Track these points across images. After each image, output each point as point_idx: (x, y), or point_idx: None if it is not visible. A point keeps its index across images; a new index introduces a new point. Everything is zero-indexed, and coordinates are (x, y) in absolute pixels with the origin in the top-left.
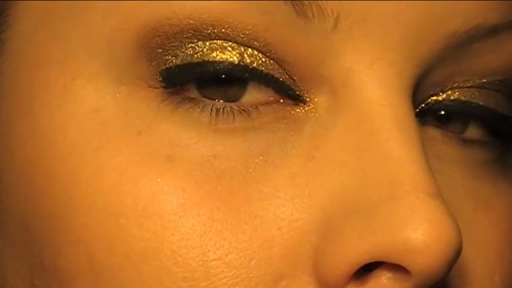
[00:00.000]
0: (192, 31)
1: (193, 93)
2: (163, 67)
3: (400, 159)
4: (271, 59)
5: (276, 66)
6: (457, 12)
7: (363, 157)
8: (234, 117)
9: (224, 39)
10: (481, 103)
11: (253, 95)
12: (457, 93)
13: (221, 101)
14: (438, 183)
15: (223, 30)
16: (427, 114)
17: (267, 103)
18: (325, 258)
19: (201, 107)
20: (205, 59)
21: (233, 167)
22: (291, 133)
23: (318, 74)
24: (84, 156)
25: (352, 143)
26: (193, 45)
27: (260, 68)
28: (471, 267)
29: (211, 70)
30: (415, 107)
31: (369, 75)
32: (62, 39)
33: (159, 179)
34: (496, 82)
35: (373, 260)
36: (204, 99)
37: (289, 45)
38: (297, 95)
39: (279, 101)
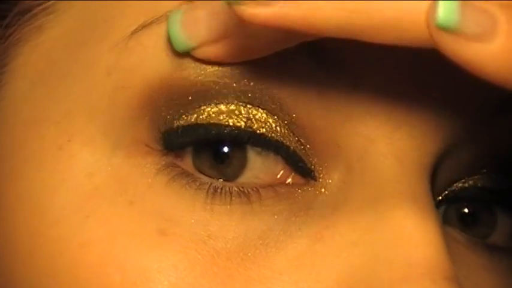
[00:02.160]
0: (200, 91)
1: (190, 166)
2: (165, 128)
3: (415, 240)
4: (283, 122)
5: (287, 132)
6: (478, 89)
7: (375, 237)
8: (231, 199)
9: (228, 103)
10: None
11: (253, 173)
12: (484, 179)
13: (220, 180)
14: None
15: (229, 94)
16: (450, 211)
17: (269, 185)
18: None
19: (197, 184)
20: (211, 121)
21: (229, 249)
22: (296, 214)
23: (333, 143)
24: (72, 224)
25: (365, 222)
26: (199, 107)
27: (269, 135)
28: None
29: (214, 133)
30: (436, 194)
31: (388, 147)
32: (60, 98)
33: (150, 254)
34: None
35: None
36: (201, 175)
37: (304, 104)
38: (308, 168)
39: (284, 182)
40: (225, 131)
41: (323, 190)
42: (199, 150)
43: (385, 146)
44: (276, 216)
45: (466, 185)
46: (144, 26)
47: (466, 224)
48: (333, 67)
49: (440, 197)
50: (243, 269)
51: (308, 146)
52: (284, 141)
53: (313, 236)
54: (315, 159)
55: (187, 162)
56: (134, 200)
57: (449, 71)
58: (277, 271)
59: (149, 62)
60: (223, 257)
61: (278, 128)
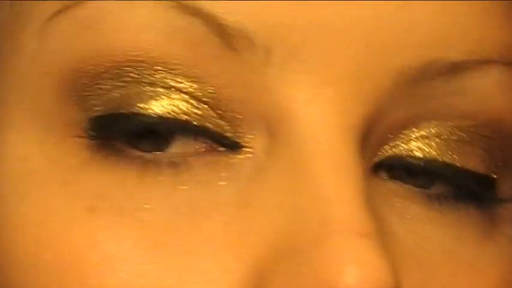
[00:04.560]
0: (116, 70)
1: (121, 141)
2: (91, 112)
3: (331, 198)
4: (204, 103)
5: (209, 114)
6: (407, 46)
7: (297, 199)
8: (161, 171)
9: (151, 84)
10: (447, 160)
11: (184, 142)
12: (419, 144)
13: (150, 153)
14: (392, 235)
15: (149, 69)
16: (396, 167)
17: (199, 153)
18: None
19: (129, 159)
20: (132, 110)
21: (158, 221)
22: (225, 182)
23: (254, 113)
24: (8, 207)
25: (288, 184)
26: (120, 90)
27: (192, 121)
28: None
29: (137, 123)
30: (371, 155)
31: (306, 113)
32: None
33: (79, 232)
34: (464, 128)
35: None
36: (132, 150)
37: (222, 81)
38: (233, 142)
39: (213, 150)
40: (149, 120)
41: (250, 156)
42: (128, 130)
43: (303, 113)
44: (204, 185)
45: (401, 148)
46: (60, 11)
47: (415, 173)
48: (243, 50)
49: (376, 159)
50: (172, 239)
51: (231, 121)
52: (207, 125)
53: (240, 202)
54: (239, 130)
55: (118, 140)
56: (67, 180)
57: (370, 34)
58: (206, 239)
59: (68, 46)
60: (151, 229)
61: (200, 112)
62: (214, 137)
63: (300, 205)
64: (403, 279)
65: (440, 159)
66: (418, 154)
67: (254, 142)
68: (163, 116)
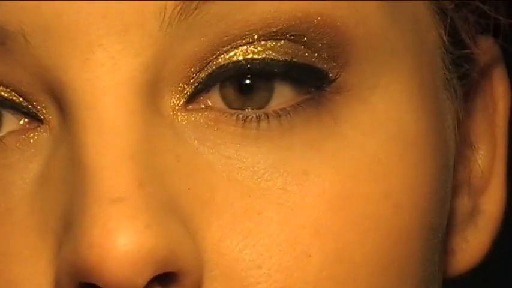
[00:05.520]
0: None
1: None
2: None
3: (91, 166)
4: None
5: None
6: None
7: (76, 170)
8: None
9: None
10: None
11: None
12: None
13: None
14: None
15: None
16: (226, 88)
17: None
18: None
19: None
20: None
21: None
22: (31, 160)
23: (42, 91)
24: None
25: (69, 157)
26: None
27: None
28: (271, 254)
29: None
30: (179, 91)
31: (78, 80)
32: None
33: None
34: (273, 35)
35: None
36: None
37: (1, 73)
38: (33, 117)
39: (23, 130)
40: None
41: (48, 130)
42: None
43: (75, 81)
44: (11, 168)
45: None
46: None
47: (245, 94)
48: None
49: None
50: None
51: (27, 97)
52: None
53: (42, 179)
54: (37, 105)
55: None
56: None
57: None
58: (18, 221)
59: None
60: None
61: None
62: (13, 118)
63: (76, 176)
64: (205, 223)
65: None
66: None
67: (49, 116)
68: None
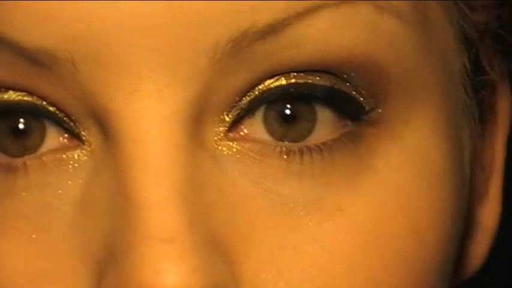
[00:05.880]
0: None
1: None
2: None
3: (140, 203)
4: (42, 106)
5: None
6: (212, 24)
7: (120, 203)
8: (11, 176)
9: None
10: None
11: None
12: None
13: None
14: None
15: None
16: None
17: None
18: None
19: None
20: None
21: (11, 229)
22: (70, 182)
23: (86, 114)
24: None
25: (115, 187)
26: None
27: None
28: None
29: None
30: (219, 122)
31: (125, 111)
32: None
33: None
34: (315, 74)
35: None
36: None
37: (42, 91)
38: (74, 137)
39: (60, 149)
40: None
41: (89, 152)
42: None
43: (123, 111)
44: (49, 187)
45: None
46: None
47: (287, 123)
48: (52, 65)
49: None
50: (27, 245)
51: (68, 118)
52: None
53: (83, 201)
54: (77, 127)
55: None
56: None
57: (168, 23)
58: (55, 242)
59: None
60: (1, 238)
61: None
62: (55, 137)
63: (120, 209)
64: (243, 256)
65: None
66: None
67: (92, 138)
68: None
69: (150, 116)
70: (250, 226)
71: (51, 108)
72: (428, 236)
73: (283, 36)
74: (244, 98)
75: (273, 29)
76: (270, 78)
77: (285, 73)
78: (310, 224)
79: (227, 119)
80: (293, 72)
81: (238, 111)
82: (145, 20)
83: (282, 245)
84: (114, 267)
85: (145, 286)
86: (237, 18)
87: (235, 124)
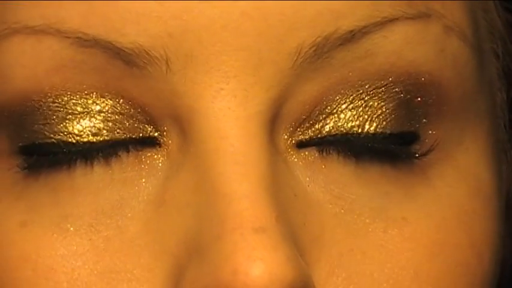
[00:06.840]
0: (37, 107)
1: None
2: (20, 144)
3: (229, 195)
4: (120, 113)
5: (127, 120)
6: (297, 27)
7: (203, 197)
8: (87, 174)
9: (72, 113)
10: (360, 129)
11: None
12: (337, 118)
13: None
14: (287, 215)
15: (66, 100)
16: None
17: (117, 155)
18: None
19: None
20: (57, 138)
21: (81, 226)
22: (144, 180)
23: (167, 115)
24: None
25: (196, 182)
26: (43, 122)
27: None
28: None
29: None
30: (293, 131)
31: (211, 109)
32: None
33: (11, 247)
34: (378, 89)
35: None
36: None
37: (132, 94)
38: (151, 140)
39: (134, 150)
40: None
41: (165, 153)
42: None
43: (208, 110)
44: (126, 183)
45: (319, 127)
46: None
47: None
48: (145, 65)
49: (298, 134)
50: (98, 242)
51: (147, 120)
52: (124, 136)
53: (158, 199)
54: (156, 129)
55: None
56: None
57: (259, 22)
58: (130, 239)
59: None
60: (77, 235)
61: (119, 124)
62: (133, 139)
63: (204, 203)
64: (315, 258)
65: (356, 130)
66: (335, 126)
67: (169, 140)
68: (88, 140)
69: (235, 115)
70: (321, 230)
71: (130, 120)
72: (484, 252)
73: (360, 45)
74: (313, 111)
75: (353, 36)
76: (335, 93)
77: (349, 89)
78: (376, 230)
79: (298, 128)
80: (362, 88)
81: (308, 124)
82: (236, 18)
83: (351, 250)
84: (198, 260)
85: (240, 274)
86: (321, 23)
87: (304, 133)
